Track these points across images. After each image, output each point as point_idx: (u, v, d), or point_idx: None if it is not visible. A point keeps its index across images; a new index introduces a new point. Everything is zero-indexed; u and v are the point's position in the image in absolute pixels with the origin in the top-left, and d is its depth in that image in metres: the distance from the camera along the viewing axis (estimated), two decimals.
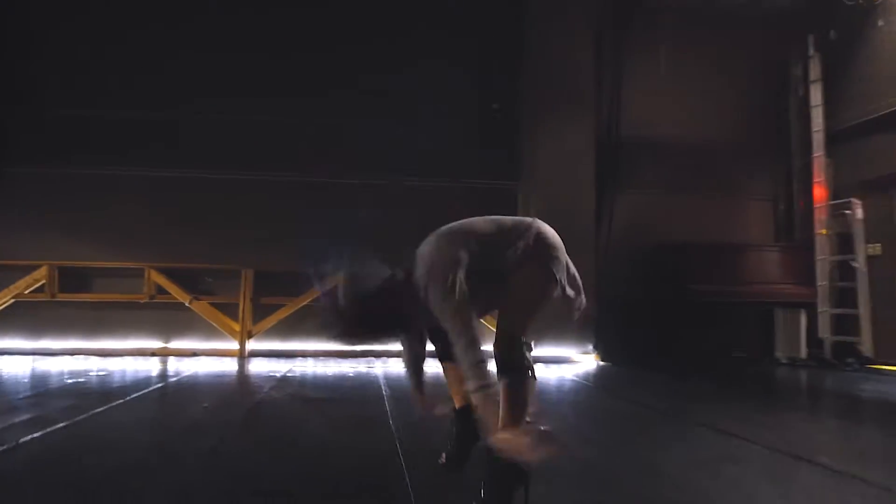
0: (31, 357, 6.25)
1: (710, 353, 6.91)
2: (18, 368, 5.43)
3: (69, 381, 4.62)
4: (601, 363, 6.42)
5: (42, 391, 4.18)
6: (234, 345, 6.59)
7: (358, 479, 2.32)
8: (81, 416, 3.23)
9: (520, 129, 7.22)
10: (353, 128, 7.00)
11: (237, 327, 6.60)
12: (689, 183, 7.45)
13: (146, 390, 4.21)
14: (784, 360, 6.77)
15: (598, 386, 5.04)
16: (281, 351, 6.72)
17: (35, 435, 2.82)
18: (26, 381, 4.67)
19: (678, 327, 6.81)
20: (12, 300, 6.37)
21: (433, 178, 7.02)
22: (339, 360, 6.58)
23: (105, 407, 3.51)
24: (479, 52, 7.26)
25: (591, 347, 6.52)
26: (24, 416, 3.22)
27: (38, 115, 6.64)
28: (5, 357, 6.24)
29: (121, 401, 3.72)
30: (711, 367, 6.35)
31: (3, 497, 2.07)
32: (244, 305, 6.61)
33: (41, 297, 6.38)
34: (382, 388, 4.59)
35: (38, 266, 6.37)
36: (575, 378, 5.38)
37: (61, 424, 3.03)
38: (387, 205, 6.79)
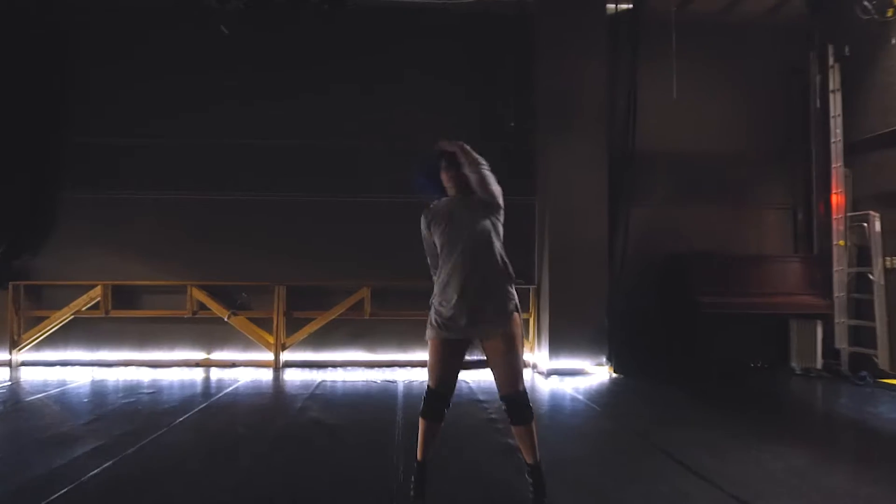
0: (90, 368, 6.95)
1: (726, 363, 7.08)
2: (79, 380, 6.09)
3: (124, 400, 5.20)
4: (614, 375, 6.68)
5: (101, 414, 4.74)
6: (269, 356, 7.13)
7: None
8: (141, 443, 3.75)
9: (535, 144, 7.44)
10: (377, 148, 7.36)
11: (272, 339, 7.12)
12: (705, 194, 7.55)
13: (191, 413, 4.74)
14: (799, 371, 6.89)
15: (602, 407, 5.31)
16: (312, 361, 7.23)
17: (103, 467, 3.33)
18: (86, 401, 5.26)
19: (693, 338, 6.99)
20: (72, 316, 7.05)
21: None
22: (366, 368, 7.07)
23: (158, 433, 4.03)
24: (493, 71, 7.49)
25: (604, 359, 6.78)
26: (88, 447, 3.75)
27: (88, 144, 7.24)
28: (68, 368, 6.95)
29: (167, 427, 4.25)
30: (726, 379, 6.54)
31: None
32: (278, 319, 7.12)
33: (97, 314, 7.03)
34: (398, 413, 4.99)
35: (94, 286, 7.01)
36: (579, 396, 5.67)
37: (120, 456, 3.54)
38: (413, 221, 7.14)
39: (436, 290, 2.92)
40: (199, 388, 5.87)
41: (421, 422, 2.87)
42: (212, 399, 5.30)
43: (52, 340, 7.12)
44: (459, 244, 2.84)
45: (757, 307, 6.94)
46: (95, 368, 6.94)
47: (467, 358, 2.91)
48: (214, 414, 4.78)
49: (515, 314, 2.90)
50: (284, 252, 7.26)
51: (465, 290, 2.81)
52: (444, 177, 2.97)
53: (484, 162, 2.96)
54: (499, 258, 2.90)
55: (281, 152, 7.39)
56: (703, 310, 6.82)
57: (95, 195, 7.22)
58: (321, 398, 5.43)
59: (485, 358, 2.92)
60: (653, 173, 7.45)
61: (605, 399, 5.58)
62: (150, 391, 5.65)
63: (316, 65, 7.39)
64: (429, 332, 2.89)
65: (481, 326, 2.82)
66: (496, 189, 2.91)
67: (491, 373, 2.90)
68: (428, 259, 3.09)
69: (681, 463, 3.56)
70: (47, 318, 7.03)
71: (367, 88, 7.44)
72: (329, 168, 7.40)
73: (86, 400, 5.29)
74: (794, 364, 6.98)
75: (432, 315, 2.88)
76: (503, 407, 2.86)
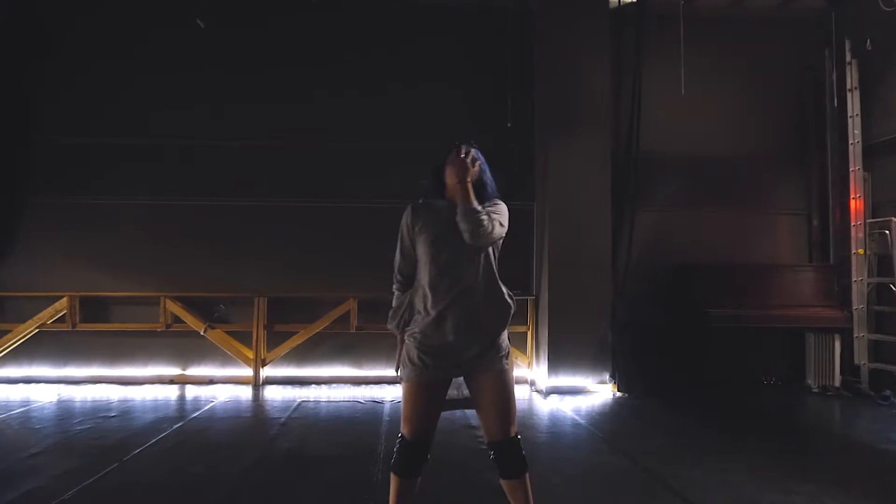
0: (56, 385, 6.46)
1: (738, 380, 6.62)
2: (43, 399, 5.61)
3: (81, 426, 4.72)
4: (618, 394, 6.22)
5: (51, 444, 4.27)
6: (249, 372, 6.65)
7: None
8: (79, 486, 3.28)
9: (534, 146, 7.00)
10: (364, 152, 6.92)
11: (251, 355, 6.65)
12: (714, 198, 7.10)
13: (150, 443, 4.27)
14: (815, 389, 6.43)
15: (606, 435, 4.85)
16: (295, 378, 6.76)
17: None
18: (40, 427, 4.78)
19: (702, 354, 6.54)
20: (37, 330, 6.57)
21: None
22: (352, 385, 6.60)
23: (104, 472, 3.56)
24: (490, 70, 7.05)
25: (608, 377, 6.32)
26: (16, 492, 3.27)
27: (59, 144, 6.77)
28: (33, 385, 6.47)
29: (118, 463, 3.78)
30: (737, 398, 6.09)
31: None
32: (258, 333, 6.65)
33: (64, 327, 6.55)
34: (381, 441, 4.53)
35: (60, 297, 6.54)
36: (580, 420, 5.21)
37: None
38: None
39: (417, 317, 2.41)
40: (168, 410, 5.39)
41: (393, 479, 2.38)
42: (178, 424, 4.82)
43: (16, 356, 6.64)
44: (459, 265, 2.34)
45: (770, 320, 6.48)
46: (62, 386, 6.46)
47: (450, 395, 2.43)
48: (177, 444, 4.30)
49: (511, 350, 2.45)
50: (265, 261, 6.80)
51: (463, 321, 2.33)
52: (449, 172, 2.39)
53: (498, 201, 2.44)
54: (501, 286, 2.45)
55: (262, 155, 6.94)
56: (712, 322, 6.36)
57: (62, 199, 6.74)
58: (299, 423, 4.96)
59: (467, 396, 2.46)
60: (659, 176, 7.00)
61: (609, 424, 5.11)
62: (114, 414, 5.17)
63: (295, 66, 6.94)
64: (406, 373, 2.38)
65: (476, 362, 2.36)
66: (499, 232, 2.38)
67: (477, 416, 2.43)
68: (396, 265, 2.52)
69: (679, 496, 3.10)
70: (10, 331, 6.54)
71: (354, 89, 6.99)
72: (313, 171, 6.94)
73: (39, 426, 4.80)
74: (809, 381, 6.52)
75: (412, 351, 2.38)
76: (491, 456, 2.38)
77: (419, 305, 2.41)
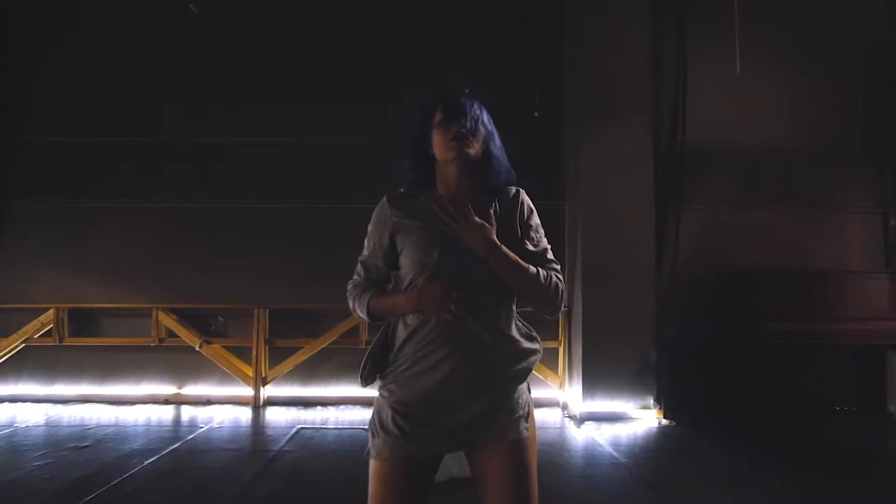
0: (43, 405, 5.96)
1: (804, 406, 5.72)
2: (28, 421, 5.08)
3: (43, 461, 4.14)
4: (664, 422, 5.39)
5: (9, 480, 3.69)
6: (248, 391, 6.03)
7: None
8: None
9: (564, 137, 6.23)
10: (374, 149, 6.23)
11: (251, 372, 6.03)
12: (772, 195, 6.20)
13: (112, 484, 3.65)
14: None
15: (652, 479, 4.05)
16: (298, 398, 6.11)
17: None
18: (6, 458, 4.22)
19: (761, 375, 5.65)
20: (23, 345, 6.07)
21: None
22: (362, 407, 5.92)
23: None
24: (513, 50, 6.31)
25: (651, 401, 5.49)
26: None
27: (42, 145, 6.28)
28: (19, 405, 5.98)
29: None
30: (806, 429, 5.21)
31: None
32: (258, 348, 6.02)
33: (50, 342, 6.04)
34: None
35: (46, 309, 6.02)
36: (621, 458, 4.41)
37: None
38: None
39: (395, 358, 1.66)
40: (149, 438, 4.78)
41: None
42: (149, 460, 4.18)
43: (2, 373, 6.15)
44: (460, 285, 1.59)
45: (842, 336, 5.56)
46: (50, 405, 5.95)
47: (443, 476, 1.69)
48: (138, 487, 3.67)
49: (532, 411, 1.70)
50: (267, 270, 6.17)
51: (463, 366, 1.59)
52: (437, 142, 1.68)
53: (552, 260, 1.74)
54: (518, 321, 1.71)
55: (265, 153, 6.33)
56: (773, 339, 5.49)
57: (47, 203, 6.24)
58: (289, 459, 4.28)
59: (470, 475, 1.72)
60: (708, 171, 6.14)
61: (654, 463, 4.31)
62: (86, 444, 4.57)
63: (299, 59, 6.30)
64: (377, 445, 1.63)
65: (481, 428, 1.62)
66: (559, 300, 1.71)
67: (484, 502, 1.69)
68: (358, 275, 1.77)
69: None
70: None
71: (360, 78, 6.32)
72: (321, 170, 6.30)
73: (4, 458, 4.25)
74: (891, 408, 5.58)
75: (384, 411, 1.64)
76: None
77: (398, 343, 1.69)
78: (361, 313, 1.73)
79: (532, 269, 1.64)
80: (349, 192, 6.21)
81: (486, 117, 1.74)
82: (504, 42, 6.35)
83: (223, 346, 6.09)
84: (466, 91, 1.76)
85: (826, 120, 6.27)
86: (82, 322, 6.15)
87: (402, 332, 1.66)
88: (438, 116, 1.69)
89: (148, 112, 6.30)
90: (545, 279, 1.65)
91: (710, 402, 5.50)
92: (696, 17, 6.04)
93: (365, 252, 1.78)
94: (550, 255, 1.74)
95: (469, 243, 1.61)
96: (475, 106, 1.72)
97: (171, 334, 6.06)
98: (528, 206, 1.77)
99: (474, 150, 1.68)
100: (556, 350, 6.04)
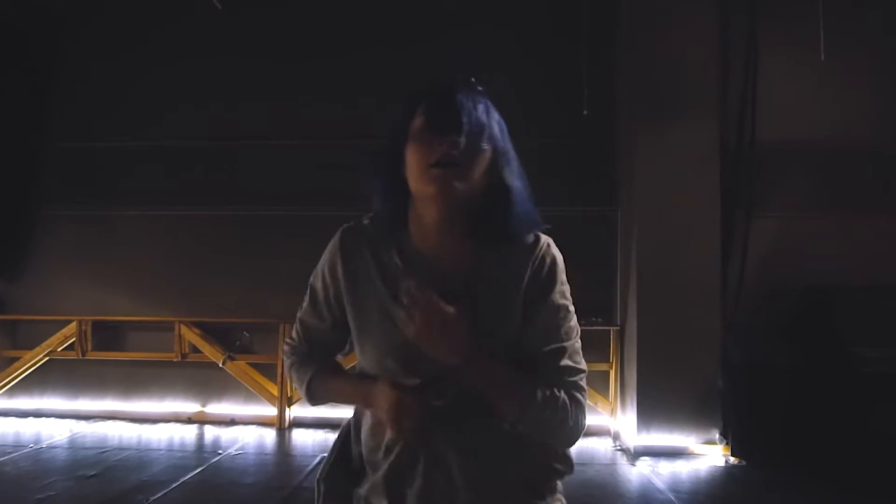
0: (68, 421, 5.75)
1: None
2: (52, 438, 4.85)
3: (44, 492, 3.84)
4: (732, 460, 4.72)
5: None
6: (273, 411, 5.67)
7: None
8: None
9: (616, 140, 5.63)
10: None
11: (276, 391, 5.66)
12: (859, 200, 5.41)
13: None
14: None
15: None
16: (326, 421, 5.69)
17: None
18: (10, 486, 3.95)
19: (850, 409, 4.89)
20: (46, 358, 5.89)
21: None
22: None
23: None
24: (560, 46, 5.75)
25: (717, 436, 4.83)
26: None
27: (69, 150, 6.09)
28: (42, 420, 5.80)
29: None
30: None
31: None
32: (283, 366, 5.64)
33: (73, 356, 5.82)
34: None
35: (69, 321, 5.81)
36: (675, 501, 3.79)
37: None
38: None
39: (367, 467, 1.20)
40: (161, 467, 4.43)
41: None
42: (155, 496, 3.83)
43: (27, 386, 5.98)
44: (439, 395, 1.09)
45: None
46: (74, 422, 5.73)
47: None
48: None
49: None
50: (295, 282, 5.73)
51: (443, 484, 1.09)
52: (412, 164, 1.13)
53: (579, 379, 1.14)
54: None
55: (297, 156, 5.95)
56: (865, 367, 4.74)
57: (74, 212, 6.03)
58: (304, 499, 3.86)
59: None
60: (781, 173, 5.40)
61: None
62: (92, 473, 4.24)
63: (331, 57, 5.91)
64: None
65: None
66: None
67: None
68: (297, 335, 1.32)
69: None
70: (20, 358, 5.90)
71: (398, 78, 5.86)
72: (354, 177, 5.84)
73: (7, 486, 3.98)
74: None
75: None
76: None
77: (355, 444, 1.22)
78: (302, 394, 1.28)
79: (529, 389, 1.07)
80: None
81: (497, 126, 1.15)
82: (549, 37, 5.80)
83: (248, 363, 5.75)
84: (473, 78, 1.16)
85: None
86: (106, 335, 5.93)
87: (365, 429, 1.20)
88: (419, 121, 1.12)
89: (175, 116, 6.04)
90: (551, 405, 1.07)
91: (787, 440, 4.77)
92: (768, 5, 5.34)
93: (304, 305, 1.28)
94: (568, 360, 1.12)
95: (429, 350, 1.06)
96: (480, 107, 1.12)
97: (195, 349, 5.76)
98: (552, 268, 1.16)
99: (467, 183, 1.09)
100: (608, 373, 5.43)
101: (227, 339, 5.83)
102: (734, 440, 4.78)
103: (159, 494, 3.83)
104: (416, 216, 1.15)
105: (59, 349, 5.83)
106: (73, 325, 5.78)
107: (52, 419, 5.79)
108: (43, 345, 5.82)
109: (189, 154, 6.04)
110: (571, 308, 1.17)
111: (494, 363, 1.08)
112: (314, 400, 1.28)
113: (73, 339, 5.79)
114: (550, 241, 1.20)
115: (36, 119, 6.15)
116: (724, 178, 5.13)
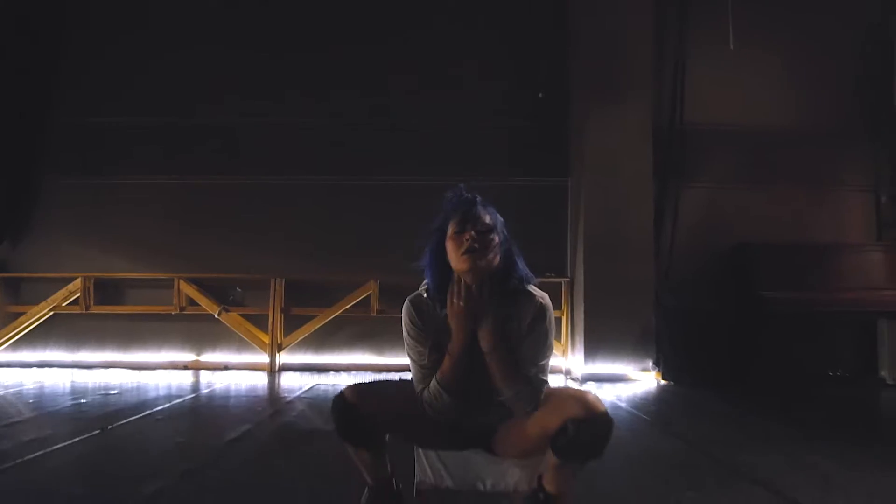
0: (70, 370, 6.23)
1: (800, 372, 5.92)
2: (53, 381, 5.35)
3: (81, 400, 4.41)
4: (663, 382, 5.61)
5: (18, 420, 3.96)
6: (265, 358, 6.29)
7: None
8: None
9: (571, 119, 6.50)
10: (391, 132, 6.55)
11: (267, 339, 6.29)
12: (769, 173, 6.45)
13: (148, 412, 3.91)
14: (890, 381, 5.69)
15: (652, 418, 4.27)
16: (312, 365, 6.36)
17: None
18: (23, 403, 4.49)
19: (757, 342, 5.87)
20: (51, 313, 6.36)
21: (476, 177, 6.42)
22: (374, 373, 6.16)
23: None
24: (518, 35, 6.62)
25: (651, 364, 5.72)
26: None
27: (75, 124, 6.60)
28: (46, 370, 6.25)
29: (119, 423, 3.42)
30: (801, 390, 5.41)
31: None
32: (274, 317, 6.29)
33: (77, 310, 6.32)
34: None
35: (73, 278, 6.31)
36: (622, 404, 4.63)
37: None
38: (430, 207, 6.29)
39: None
40: (172, 393, 5.02)
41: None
42: (177, 401, 4.45)
43: (31, 339, 6.44)
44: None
45: (836, 304, 5.80)
46: (75, 371, 6.21)
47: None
48: (167, 418, 3.93)
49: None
50: (283, 241, 6.46)
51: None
52: (451, 253, 1.82)
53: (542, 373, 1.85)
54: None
55: (286, 132, 6.60)
56: (770, 307, 5.73)
57: (77, 180, 6.55)
58: (307, 398, 4.53)
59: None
60: (707, 148, 6.42)
61: (656, 409, 4.54)
62: (116, 391, 4.83)
63: (314, 42, 6.61)
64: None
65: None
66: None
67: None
68: (424, 380, 1.90)
69: (779, 493, 2.53)
70: (25, 313, 6.35)
71: (379, 65, 6.62)
72: (332, 148, 6.58)
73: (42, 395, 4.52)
74: (883, 373, 5.78)
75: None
76: (570, 431, 1.68)
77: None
78: (446, 399, 1.81)
79: (522, 379, 1.77)
80: (363, 171, 6.53)
81: (500, 224, 1.87)
82: (510, 29, 6.65)
83: (241, 315, 6.36)
84: (479, 198, 1.88)
85: (824, 104, 6.51)
86: (108, 291, 6.44)
87: None
88: (452, 228, 1.83)
89: (173, 93, 6.60)
90: (526, 393, 1.77)
91: (710, 368, 5.70)
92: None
93: (414, 357, 1.92)
94: (540, 373, 1.80)
95: (463, 325, 1.77)
96: (488, 216, 1.84)
97: (192, 303, 6.33)
98: (542, 316, 1.84)
99: (486, 261, 1.78)
100: (560, 318, 6.27)
101: (222, 293, 6.42)
102: (665, 367, 5.69)
103: (176, 401, 4.45)
104: (458, 282, 1.83)
105: (63, 304, 6.32)
106: (79, 281, 6.28)
107: (56, 369, 6.24)
108: (48, 300, 6.30)
109: (188, 130, 6.58)
110: (550, 342, 1.85)
111: (508, 355, 1.78)
112: (446, 387, 1.82)
113: (78, 294, 6.29)
114: (546, 296, 1.89)
115: (41, 94, 6.62)
116: (658, 153, 6.05)
